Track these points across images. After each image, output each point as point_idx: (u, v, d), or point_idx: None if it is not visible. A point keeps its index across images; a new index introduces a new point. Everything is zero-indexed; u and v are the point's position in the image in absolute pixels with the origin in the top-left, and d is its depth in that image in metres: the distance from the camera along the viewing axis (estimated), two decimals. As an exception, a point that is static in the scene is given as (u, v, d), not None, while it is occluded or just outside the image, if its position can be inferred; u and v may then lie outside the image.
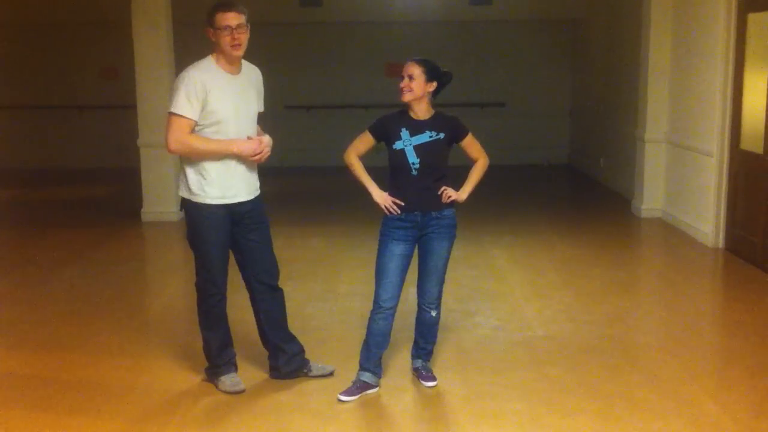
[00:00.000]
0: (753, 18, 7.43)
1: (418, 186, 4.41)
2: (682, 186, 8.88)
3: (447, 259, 4.56)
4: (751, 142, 7.44)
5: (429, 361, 4.80)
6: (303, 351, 4.82)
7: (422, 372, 4.71)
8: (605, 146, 12.14)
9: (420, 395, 4.60)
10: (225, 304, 4.62)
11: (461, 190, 4.52)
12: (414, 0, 13.11)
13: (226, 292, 4.60)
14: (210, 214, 4.36)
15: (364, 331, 4.60)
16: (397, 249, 4.44)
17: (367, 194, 4.52)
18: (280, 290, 4.73)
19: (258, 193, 4.54)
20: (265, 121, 4.76)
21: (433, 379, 4.68)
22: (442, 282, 4.60)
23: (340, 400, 4.46)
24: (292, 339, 4.80)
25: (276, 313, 4.72)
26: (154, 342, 5.68)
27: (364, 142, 4.54)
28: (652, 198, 9.52)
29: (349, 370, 4.73)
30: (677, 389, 4.65)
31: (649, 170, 9.50)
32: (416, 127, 4.41)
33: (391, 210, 4.43)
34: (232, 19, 4.21)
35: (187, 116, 4.23)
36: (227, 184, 4.36)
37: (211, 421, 4.31)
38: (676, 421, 4.24)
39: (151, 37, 9.23)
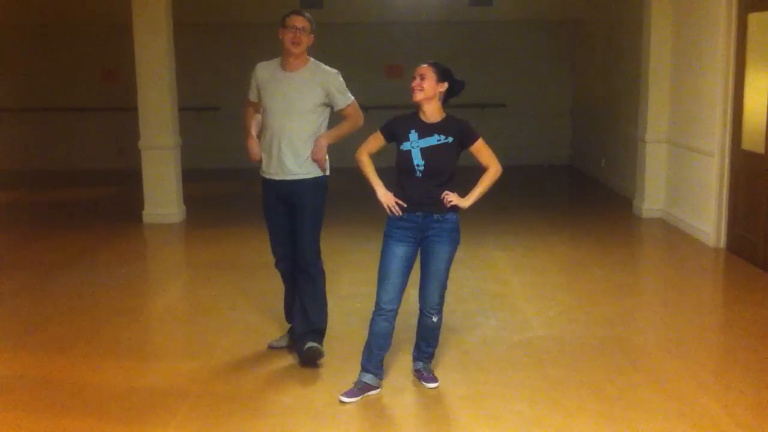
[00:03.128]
0: (753, 18, 7.43)
1: (422, 188, 4.41)
2: (684, 186, 8.88)
3: (448, 263, 4.51)
4: (752, 141, 7.44)
5: (430, 363, 4.81)
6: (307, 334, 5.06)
7: (423, 373, 4.72)
8: (606, 146, 12.14)
9: (421, 396, 4.60)
10: (285, 271, 5.18)
11: (467, 196, 4.48)
12: (414, 1, 13.12)
13: (285, 263, 5.12)
14: (262, 186, 5.06)
15: (365, 333, 4.61)
16: (399, 250, 4.44)
17: (372, 192, 4.53)
18: (308, 273, 5.03)
19: (295, 177, 4.89)
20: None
21: (435, 380, 4.69)
22: (443, 287, 4.55)
23: (341, 402, 4.46)
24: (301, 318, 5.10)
25: (300, 293, 5.08)
26: (156, 344, 5.69)
27: (376, 141, 4.59)
28: (653, 198, 9.52)
29: (350, 371, 4.73)
30: (678, 389, 4.65)
31: (650, 170, 9.50)
32: (425, 130, 4.41)
33: (393, 210, 4.44)
34: (299, 21, 4.87)
35: (248, 97, 5.12)
36: (265, 161, 4.98)
37: (212, 422, 4.31)
38: (678, 421, 4.24)
39: (151, 39, 9.23)
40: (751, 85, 7.50)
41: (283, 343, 5.31)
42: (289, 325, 5.33)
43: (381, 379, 4.64)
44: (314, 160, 4.88)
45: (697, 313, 6.22)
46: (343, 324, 5.78)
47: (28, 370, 5.08)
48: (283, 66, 4.94)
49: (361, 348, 4.62)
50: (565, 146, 14.57)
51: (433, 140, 4.39)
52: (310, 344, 4.95)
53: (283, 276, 5.27)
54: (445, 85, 4.43)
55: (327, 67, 5.00)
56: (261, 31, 12.99)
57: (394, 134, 4.48)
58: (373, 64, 13.83)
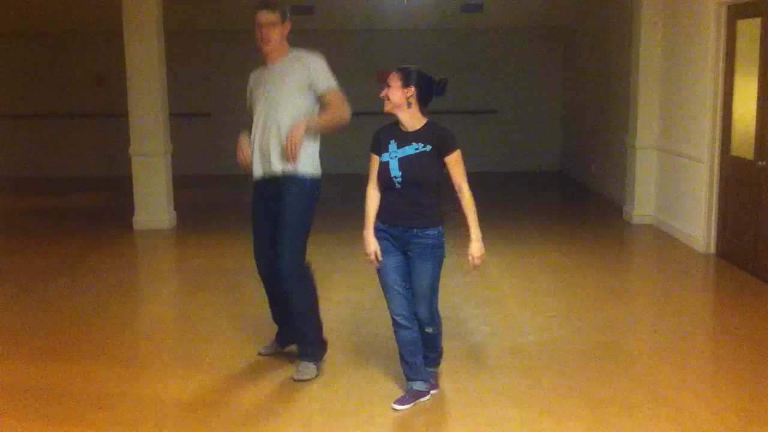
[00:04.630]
0: (742, 24, 7.47)
1: (402, 201, 4.27)
2: (674, 192, 8.92)
3: (431, 280, 4.34)
4: (742, 147, 7.48)
5: (435, 367, 4.70)
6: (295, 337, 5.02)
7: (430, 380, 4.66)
8: (597, 153, 12.18)
9: (414, 402, 4.58)
10: (263, 276, 5.00)
11: (471, 242, 4.28)
12: (405, 7, 13.14)
13: (263, 267, 4.97)
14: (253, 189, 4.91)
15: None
16: (390, 261, 4.37)
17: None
18: (285, 284, 4.77)
19: (281, 173, 4.67)
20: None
21: (434, 387, 4.64)
22: (430, 303, 4.40)
23: (394, 409, 4.46)
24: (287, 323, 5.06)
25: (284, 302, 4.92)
26: (146, 350, 5.67)
27: (373, 164, 4.38)
28: (643, 204, 9.56)
29: (342, 378, 4.75)
30: (669, 395, 4.66)
31: (640, 177, 9.53)
32: (403, 139, 4.27)
33: (370, 259, 4.39)
34: (263, 17, 4.64)
35: (246, 109, 4.95)
36: (254, 165, 4.79)
37: (202, 429, 4.29)
38: (669, 426, 4.25)
39: (142, 46, 9.22)
40: (740, 92, 7.54)
41: (272, 349, 5.25)
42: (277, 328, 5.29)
43: (428, 382, 4.60)
44: (287, 145, 4.55)
45: (687, 319, 6.23)
46: (334, 330, 5.76)
47: (17, 376, 5.05)
48: (266, 62, 4.81)
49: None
50: (555, 152, 14.62)
51: (411, 149, 4.22)
52: (300, 368, 4.84)
53: (262, 280, 5.07)
54: (412, 89, 4.20)
55: (309, 52, 4.79)
56: (253, 38, 13.02)
57: (378, 147, 4.35)
58: (364, 71, 13.84)
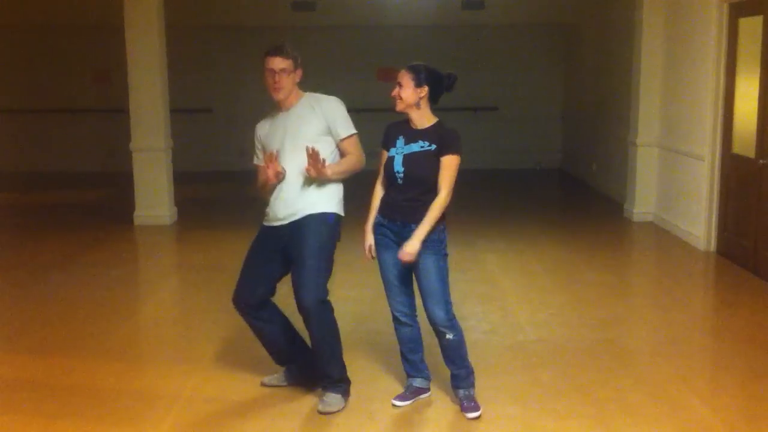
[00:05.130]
0: (744, 23, 7.46)
1: (402, 196, 4.27)
2: (674, 190, 8.91)
3: (438, 275, 4.23)
4: (743, 146, 7.47)
5: (471, 389, 4.44)
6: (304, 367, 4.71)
7: (463, 402, 4.41)
8: (597, 150, 12.17)
9: (414, 399, 4.58)
10: (244, 314, 4.61)
11: (411, 239, 4.16)
12: (406, 4, 13.13)
13: (244, 306, 4.55)
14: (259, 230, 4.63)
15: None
16: (388, 257, 4.35)
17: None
18: (310, 318, 4.39)
19: (301, 215, 4.41)
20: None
21: (475, 409, 4.36)
22: (444, 301, 4.25)
23: (394, 405, 4.46)
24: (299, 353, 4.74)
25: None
26: (147, 346, 5.67)
27: (382, 159, 4.39)
28: (644, 202, 9.55)
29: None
30: (669, 393, 4.66)
31: (641, 174, 9.53)
32: (411, 136, 4.28)
33: (366, 252, 4.41)
34: (277, 63, 4.37)
35: (254, 163, 4.66)
36: (270, 210, 4.52)
37: (203, 425, 4.29)
38: (668, 424, 4.25)
39: (143, 41, 9.22)
40: (741, 90, 7.53)
41: (276, 382, 4.78)
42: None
43: (429, 380, 4.59)
44: (311, 153, 4.27)
45: (687, 317, 6.23)
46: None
47: (18, 370, 5.05)
48: (279, 108, 4.52)
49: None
50: (556, 150, 14.60)
51: (416, 147, 4.23)
52: (326, 399, 4.47)
53: (245, 315, 4.58)
54: (425, 89, 4.22)
55: (325, 96, 4.55)
56: (254, 34, 13.02)
57: (387, 142, 4.37)
58: (365, 67, 13.84)
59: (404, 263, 4.23)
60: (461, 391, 4.43)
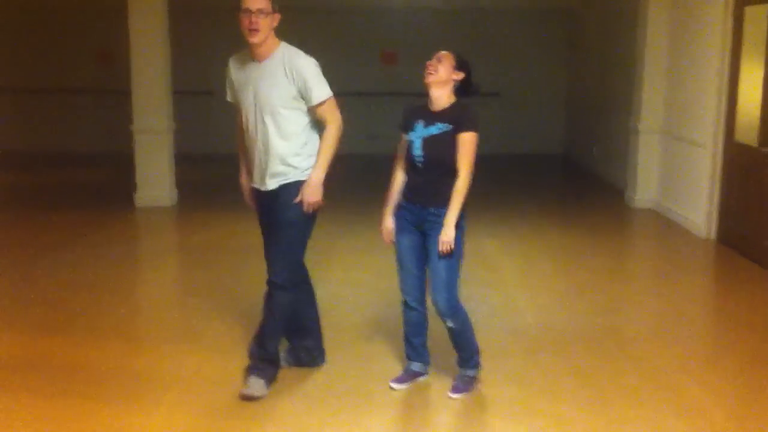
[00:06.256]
0: (750, 11, 7.43)
1: (422, 179, 4.24)
2: (676, 177, 8.90)
3: (445, 263, 4.17)
4: (746, 134, 7.46)
5: (470, 370, 4.47)
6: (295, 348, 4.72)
7: (454, 381, 4.47)
8: (600, 136, 12.15)
9: (410, 383, 4.59)
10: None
11: (444, 227, 4.12)
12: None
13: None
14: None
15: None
16: (405, 240, 4.33)
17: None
18: (274, 292, 4.41)
19: (272, 186, 4.31)
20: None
21: (459, 390, 4.40)
22: (447, 291, 4.21)
23: (391, 388, 4.47)
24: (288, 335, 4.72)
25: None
26: (146, 326, 5.68)
27: (402, 144, 4.35)
28: (645, 189, 9.55)
29: (341, 359, 4.78)
30: (668, 378, 4.67)
31: (642, 161, 9.52)
32: (430, 119, 4.23)
33: (384, 238, 4.40)
34: (253, 2, 4.10)
35: (228, 99, 4.48)
36: (250, 170, 4.47)
37: (201, 405, 4.30)
38: (667, 409, 4.26)
39: (147, 22, 9.18)
40: (745, 78, 7.51)
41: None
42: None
43: (428, 364, 4.59)
44: (305, 203, 4.23)
45: (687, 303, 6.24)
46: (334, 310, 5.77)
47: (17, 350, 5.07)
48: (252, 55, 4.26)
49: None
50: (558, 136, 14.58)
51: (435, 129, 4.19)
52: (250, 382, 4.38)
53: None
54: (461, 74, 4.22)
55: (301, 54, 4.25)
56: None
57: (405, 125, 4.31)
58: (368, 51, 13.80)
59: (442, 253, 4.14)
60: (460, 371, 4.48)
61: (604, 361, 4.92)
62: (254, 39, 4.13)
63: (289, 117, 4.23)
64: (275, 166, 4.28)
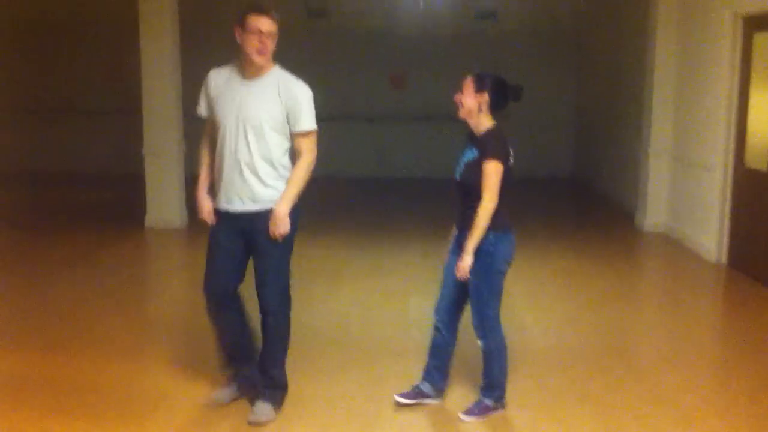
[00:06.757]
0: (759, 37, 7.43)
1: (460, 204, 4.26)
2: (686, 201, 8.88)
3: (479, 286, 4.17)
4: (756, 159, 7.44)
5: (487, 396, 4.42)
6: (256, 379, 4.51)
7: (471, 405, 4.44)
8: (609, 160, 12.15)
9: (417, 404, 4.57)
10: (218, 309, 4.47)
11: (462, 253, 4.13)
12: (420, 13, 13.16)
13: (220, 297, 4.43)
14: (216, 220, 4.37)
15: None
16: (450, 261, 4.34)
17: None
18: (273, 317, 4.38)
19: (252, 208, 4.19)
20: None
21: (471, 413, 4.37)
22: (479, 311, 4.23)
23: (395, 400, 4.47)
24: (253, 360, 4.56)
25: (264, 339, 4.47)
26: (155, 347, 5.68)
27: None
28: (655, 212, 9.52)
29: (343, 379, 4.79)
30: (678, 402, 4.63)
31: (652, 185, 9.50)
32: (470, 144, 4.24)
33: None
34: (265, 24, 4.05)
35: (199, 113, 4.33)
36: (218, 190, 4.32)
37: (209, 425, 4.30)
38: (676, 433, 4.23)
39: (157, 44, 9.26)
40: (755, 104, 7.50)
41: (229, 397, 4.55)
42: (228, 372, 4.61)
43: (439, 390, 4.53)
44: (277, 235, 4.13)
45: (697, 327, 6.21)
46: (339, 329, 5.76)
47: (27, 369, 5.07)
48: (242, 72, 4.19)
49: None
50: (568, 159, 14.58)
51: (469, 155, 4.19)
52: (257, 409, 4.32)
53: (216, 316, 4.44)
54: (485, 95, 4.16)
55: (299, 80, 4.19)
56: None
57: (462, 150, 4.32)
58: (378, 75, 13.85)
59: (459, 279, 4.16)
60: (479, 396, 4.44)
61: (613, 384, 4.89)
62: (261, 60, 4.09)
63: (273, 139, 4.14)
64: (255, 187, 4.17)
